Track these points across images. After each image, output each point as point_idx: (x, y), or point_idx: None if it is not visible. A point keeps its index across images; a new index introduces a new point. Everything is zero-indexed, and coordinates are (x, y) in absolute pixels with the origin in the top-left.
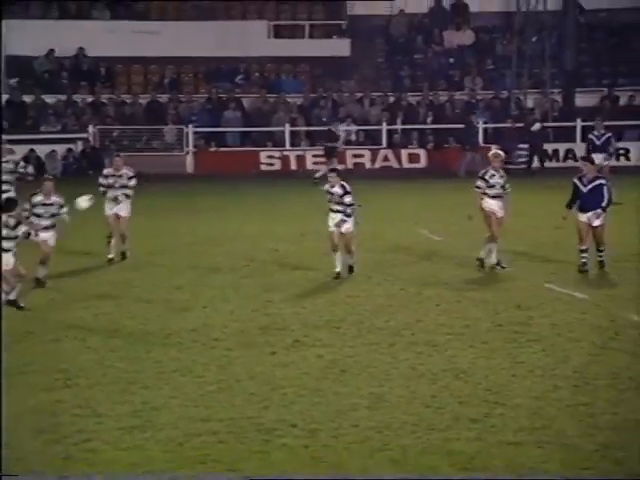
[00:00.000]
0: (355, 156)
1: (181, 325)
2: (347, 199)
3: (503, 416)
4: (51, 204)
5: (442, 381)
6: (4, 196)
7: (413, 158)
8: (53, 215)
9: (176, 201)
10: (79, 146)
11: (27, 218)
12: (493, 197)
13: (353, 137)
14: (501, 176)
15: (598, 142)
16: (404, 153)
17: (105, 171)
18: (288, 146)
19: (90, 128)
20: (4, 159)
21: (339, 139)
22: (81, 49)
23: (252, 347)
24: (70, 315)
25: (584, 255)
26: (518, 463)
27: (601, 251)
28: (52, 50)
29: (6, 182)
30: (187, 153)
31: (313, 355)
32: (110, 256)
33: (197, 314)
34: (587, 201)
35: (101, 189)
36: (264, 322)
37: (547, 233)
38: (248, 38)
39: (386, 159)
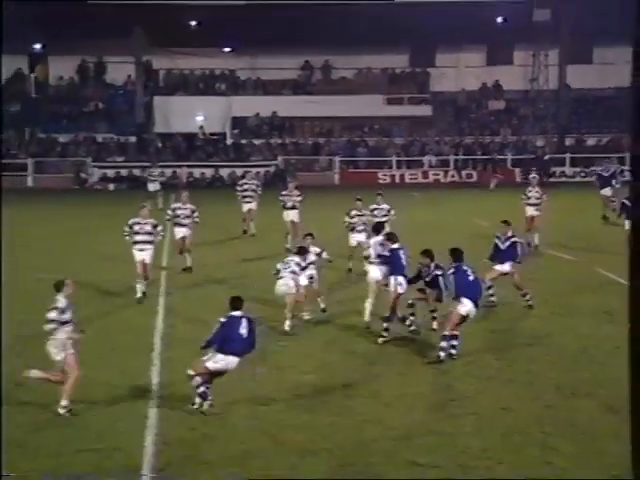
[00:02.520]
0: (434, 174)
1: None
2: (393, 211)
3: None
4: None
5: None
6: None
7: (469, 176)
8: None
9: (327, 200)
10: (272, 169)
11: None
12: (531, 205)
13: (433, 163)
14: (536, 191)
15: (606, 174)
16: (464, 173)
17: (284, 192)
18: (394, 169)
19: (279, 158)
20: (246, 180)
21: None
22: (275, 112)
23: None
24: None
25: None
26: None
27: None
28: (258, 113)
29: (250, 196)
30: (334, 173)
31: None
32: (287, 246)
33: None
34: None
35: (282, 204)
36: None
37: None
38: (371, 105)
39: (452, 176)
